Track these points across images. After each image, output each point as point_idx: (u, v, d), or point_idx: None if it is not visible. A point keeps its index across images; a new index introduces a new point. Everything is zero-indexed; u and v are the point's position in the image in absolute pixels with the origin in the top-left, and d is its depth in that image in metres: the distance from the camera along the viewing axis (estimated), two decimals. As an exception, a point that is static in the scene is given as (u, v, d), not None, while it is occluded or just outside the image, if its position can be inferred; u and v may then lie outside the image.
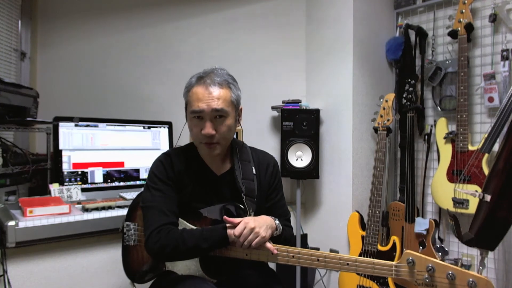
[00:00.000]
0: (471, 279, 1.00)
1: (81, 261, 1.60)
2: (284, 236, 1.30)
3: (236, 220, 1.19)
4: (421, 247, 2.05)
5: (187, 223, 1.30)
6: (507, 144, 1.26)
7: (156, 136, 2.11)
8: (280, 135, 2.26)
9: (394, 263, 1.09)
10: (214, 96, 1.22)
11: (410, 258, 1.06)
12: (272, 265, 1.58)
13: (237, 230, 1.15)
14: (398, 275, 1.08)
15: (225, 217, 1.19)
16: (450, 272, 1.02)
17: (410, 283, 2.16)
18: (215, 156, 1.31)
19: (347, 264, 1.12)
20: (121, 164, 1.99)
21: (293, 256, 1.16)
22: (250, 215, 1.29)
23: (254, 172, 1.37)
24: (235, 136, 2.31)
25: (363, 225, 2.16)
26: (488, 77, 2.00)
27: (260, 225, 1.17)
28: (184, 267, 1.29)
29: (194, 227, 1.27)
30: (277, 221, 1.26)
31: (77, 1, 2.33)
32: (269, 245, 1.17)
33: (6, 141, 1.78)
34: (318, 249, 2.43)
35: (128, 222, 1.48)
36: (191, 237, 1.18)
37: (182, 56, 2.42)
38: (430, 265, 1.04)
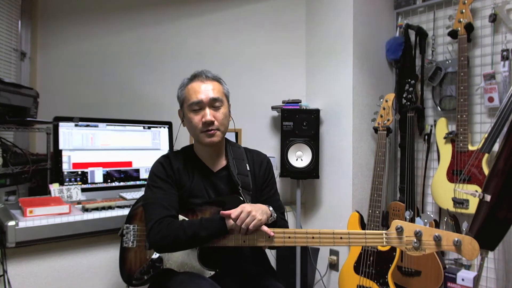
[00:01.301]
0: (456, 239, 1.09)
1: (81, 261, 1.60)
2: (278, 225, 1.34)
3: (232, 210, 1.23)
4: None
5: (186, 219, 1.32)
6: (507, 144, 1.26)
7: (156, 136, 2.11)
8: (280, 135, 2.26)
9: (384, 231, 1.17)
10: (210, 88, 1.36)
11: (399, 225, 1.15)
12: (272, 265, 1.58)
13: (233, 214, 1.20)
14: (388, 243, 1.16)
15: (222, 211, 1.23)
16: (436, 234, 1.11)
17: (411, 283, 2.17)
18: (215, 143, 1.36)
19: (341, 237, 1.19)
20: (129, 164, 2.01)
21: (289, 237, 1.21)
22: None
23: (248, 168, 1.44)
24: (234, 137, 2.33)
25: (363, 225, 2.16)
26: (488, 77, 2.00)
27: (256, 209, 1.22)
28: (182, 262, 1.31)
29: None
30: (271, 208, 1.31)
31: (77, 1, 2.33)
32: (265, 228, 1.22)
33: (6, 141, 1.78)
34: (318, 249, 2.43)
35: (127, 225, 1.48)
36: (190, 226, 1.22)
37: (182, 56, 2.42)
38: (417, 229, 1.12)
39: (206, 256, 1.30)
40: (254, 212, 1.20)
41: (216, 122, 1.34)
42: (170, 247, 1.26)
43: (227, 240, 1.23)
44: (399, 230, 1.14)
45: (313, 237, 1.19)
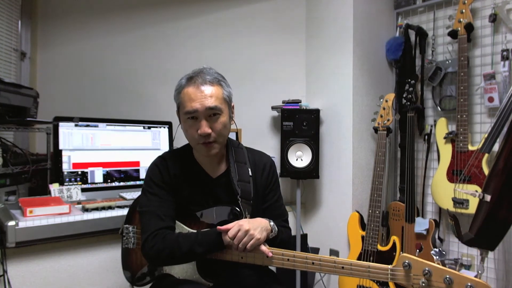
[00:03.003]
0: (469, 284, 0.97)
1: (81, 261, 1.59)
2: (280, 238, 1.28)
3: (230, 225, 1.17)
4: (418, 251, 2.05)
5: (184, 226, 1.30)
6: (507, 144, 1.26)
7: (156, 136, 2.11)
8: (280, 135, 2.26)
9: (389, 266, 1.06)
10: (207, 94, 1.21)
11: (406, 261, 1.03)
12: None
13: (231, 232, 1.14)
14: (393, 279, 1.06)
15: (218, 227, 1.18)
16: (447, 276, 0.99)
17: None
18: (213, 156, 1.29)
19: (342, 267, 1.10)
20: (137, 163, 2.03)
21: (288, 259, 1.15)
22: (245, 218, 1.27)
23: (250, 174, 1.35)
24: (235, 137, 2.33)
25: (363, 225, 2.16)
26: (488, 77, 2.00)
27: (254, 227, 1.16)
28: (181, 270, 1.29)
29: (191, 230, 1.27)
30: (272, 223, 1.25)
31: (77, 1, 2.33)
32: (264, 248, 1.16)
33: (6, 141, 1.78)
34: (318, 249, 2.43)
35: (127, 225, 1.48)
36: (186, 241, 1.18)
37: (181, 56, 2.42)
38: (426, 268, 1.01)
39: (205, 266, 1.26)
40: (252, 230, 1.14)
41: (213, 134, 1.22)
42: (165, 261, 1.23)
43: (225, 255, 1.19)
44: (407, 268, 1.02)
45: (313, 263, 1.12)
